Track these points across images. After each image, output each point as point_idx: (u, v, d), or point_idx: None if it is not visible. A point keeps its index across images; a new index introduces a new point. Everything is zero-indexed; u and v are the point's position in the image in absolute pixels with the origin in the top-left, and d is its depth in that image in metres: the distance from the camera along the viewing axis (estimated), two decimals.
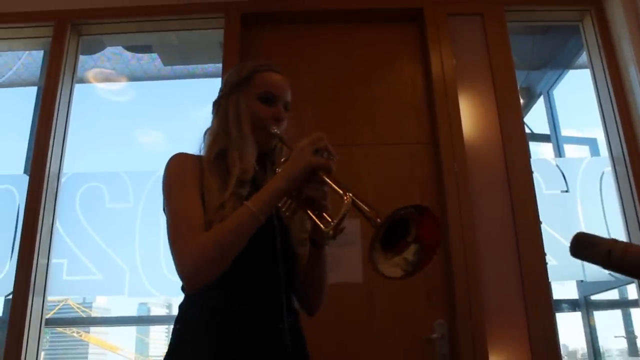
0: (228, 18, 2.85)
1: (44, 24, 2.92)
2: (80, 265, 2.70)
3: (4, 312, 2.73)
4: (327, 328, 2.41)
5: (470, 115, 2.75)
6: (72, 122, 3.28)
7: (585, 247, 0.81)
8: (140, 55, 3.59)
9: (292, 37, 2.95)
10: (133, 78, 3.74)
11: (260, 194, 1.27)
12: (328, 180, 1.23)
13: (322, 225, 1.26)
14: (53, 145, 2.73)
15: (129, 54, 3.58)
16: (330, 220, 1.25)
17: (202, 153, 1.44)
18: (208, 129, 1.50)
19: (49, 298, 2.59)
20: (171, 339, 1.32)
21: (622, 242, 0.77)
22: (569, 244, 0.88)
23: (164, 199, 1.35)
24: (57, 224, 2.73)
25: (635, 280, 2.66)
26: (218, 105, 1.50)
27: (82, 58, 3.45)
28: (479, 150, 2.69)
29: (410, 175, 2.71)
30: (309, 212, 1.29)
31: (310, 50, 2.92)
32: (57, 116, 2.78)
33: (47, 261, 2.64)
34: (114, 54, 3.56)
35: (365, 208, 1.13)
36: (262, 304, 1.33)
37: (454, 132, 2.68)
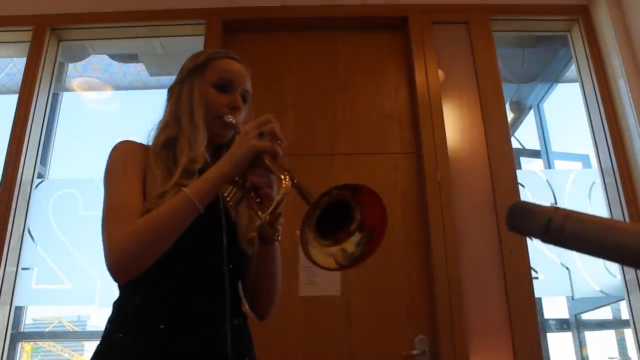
0: (209, 25, 2.82)
1: (23, 28, 2.89)
2: (50, 273, 2.61)
3: None
4: (302, 342, 2.39)
5: (455, 125, 2.69)
6: (59, 129, 3.26)
7: (522, 217, 0.67)
8: (126, 64, 3.55)
9: (274, 44, 2.92)
10: (119, 87, 3.69)
11: (200, 180, 1.18)
12: (270, 166, 1.14)
13: (259, 212, 1.17)
14: (27, 151, 2.67)
15: (115, 63, 3.54)
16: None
17: (149, 142, 1.35)
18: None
19: (40, 316, 2.49)
20: (101, 339, 1.21)
21: (564, 209, 0.64)
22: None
23: (104, 188, 1.26)
24: (29, 231, 2.65)
25: (625, 298, 2.56)
26: (171, 92, 1.41)
27: (68, 66, 3.43)
28: (464, 160, 2.63)
29: (393, 185, 2.65)
30: (250, 200, 1.20)
31: (293, 58, 2.89)
32: (32, 122, 2.73)
33: (15, 269, 2.56)
34: (98, 65, 3.52)
35: (308, 192, 1.04)
36: (203, 304, 1.23)
37: (438, 142, 2.63)
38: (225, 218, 1.31)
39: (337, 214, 1.03)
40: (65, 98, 3.54)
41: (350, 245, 1.04)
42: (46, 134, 3.16)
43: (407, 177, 2.65)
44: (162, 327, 1.17)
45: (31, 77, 2.76)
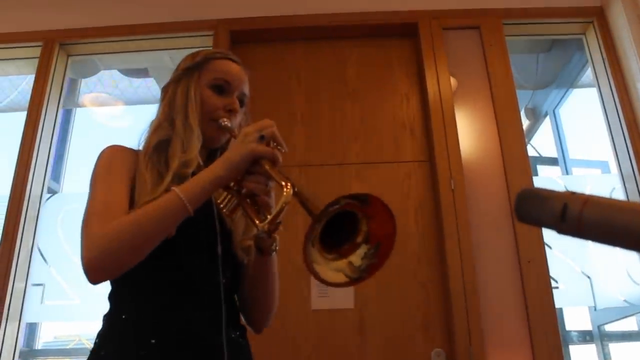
0: (217, 36, 2.80)
1: (32, 44, 2.88)
2: (59, 289, 2.58)
3: None
4: (314, 357, 2.34)
5: (469, 132, 2.63)
6: (72, 145, 3.25)
7: (533, 204, 0.58)
8: (137, 80, 3.55)
9: (282, 54, 2.88)
10: (130, 102, 3.68)
11: (193, 180, 1.11)
12: (270, 172, 1.07)
13: (257, 221, 1.10)
14: (35, 167, 2.65)
15: (125, 78, 3.54)
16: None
17: (141, 147, 1.29)
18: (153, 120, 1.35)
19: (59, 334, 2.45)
20: (89, 355, 1.14)
21: (582, 193, 0.53)
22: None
23: (88, 192, 1.20)
24: (38, 247, 2.63)
25: None
26: (165, 92, 1.35)
27: (81, 82, 3.44)
28: (478, 168, 2.55)
29: (406, 195, 2.59)
30: (246, 207, 1.13)
31: (302, 68, 2.85)
32: (41, 137, 2.71)
33: (24, 285, 2.53)
34: (109, 81, 3.52)
35: (310, 200, 0.98)
36: (197, 317, 1.16)
37: (451, 150, 2.57)
38: (220, 226, 1.25)
39: (341, 224, 0.96)
40: (78, 114, 3.56)
41: (357, 258, 0.98)
42: (59, 149, 3.16)
43: (420, 186, 2.60)
44: (153, 341, 1.10)
45: (40, 92, 2.75)
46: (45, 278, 2.62)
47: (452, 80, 2.71)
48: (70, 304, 2.58)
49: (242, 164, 1.09)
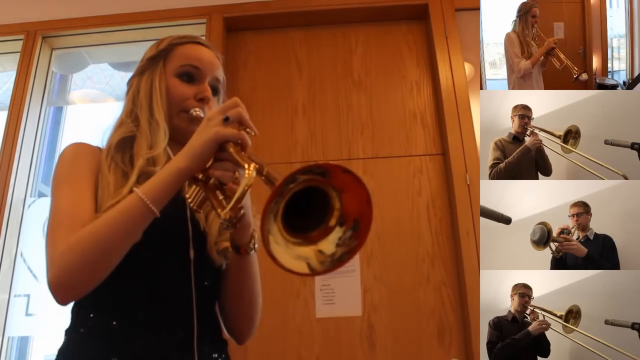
0: (210, 23, 2.65)
1: (13, 37, 2.73)
2: (46, 301, 2.41)
3: None
4: None
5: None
6: (63, 145, 3.10)
7: None
8: (129, 74, 3.37)
9: (281, 41, 2.75)
10: (121, 98, 3.51)
11: (154, 177, 0.99)
12: (235, 156, 0.93)
13: (219, 209, 0.95)
14: (18, 168, 2.50)
15: (116, 72, 3.36)
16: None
17: (103, 145, 1.17)
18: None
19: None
20: None
21: None
22: None
23: (50, 195, 1.09)
24: (22, 255, 2.47)
25: None
26: (130, 86, 1.23)
27: (72, 78, 3.28)
28: None
29: (417, 191, 2.46)
30: (211, 198, 0.98)
31: (302, 56, 2.73)
32: (24, 137, 2.56)
33: (7, 296, 2.38)
34: (99, 76, 3.35)
35: (276, 179, 0.82)
36: (164, 331, 1.04)
37: (466, 141, 2.44)
38: (194, 227, 1.12)
39: (314, 209, 0.85)
40: (70, 112, 3.40)
41: (329, 244, 0.84)
42: (50, 150, 3.01)
43: (433, 181, 2.47)
44: (113, 359, 1.00)
45: (22, 88, 2.60)
46: (30, 289, 2.45)
47: (467, 66, 2.57)
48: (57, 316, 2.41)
49: (205, 151, 0.96)
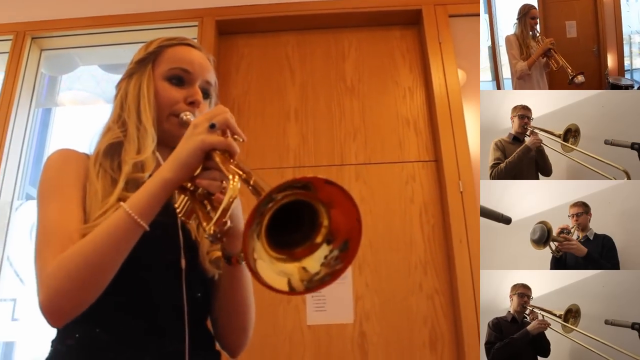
0: (202, 26, 2.63)
1: (2, 38, 2.69)
2: (32, 305, 2.38)
3: None
4: None
5: (478, 128, 2.43)
6: (51, 147, 3.07)
7: None
8: (119, 76, 3.33)
9: (274, 45, 2.73)
10: (111, 100, 3.47)
11: (141, 190, 0.96)
12: (220, 165, 0.90)
13: (204, 223, 0.92)
14: (5, 170, 2.46)
15: (106, 74, 3.33)
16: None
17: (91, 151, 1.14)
18: None
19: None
20: None
21: None
22: None
23: (37, 204, 1.06)
24: (8, 258, 2.42)
25: None
26: (118, 90, 1.20)
27: (61, 80, 3.24)
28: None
29: (410, 197, 2.45)
30: (197, 210, 0.95)
31: (295, 60, 2.71)
32: (12, 138, 2.52)
33: None
34: (88, 77, 3.32)
35: (264, 190, 0.77)
36: (155, 344, 1.01)
37: (459, 148, 2.43)
38: (185, 235, 1.09)
39: (303, 224, 0.81)
40: (58, 114, 3.36)
41: (315, 263, 0.80)
42: (38, 152, 2.97)
43: (425, 188, 2.46)
44: None
45: (10, 89, 2.56)
46: (16, 293, 2.41)
47: (460, 73, 2.56)
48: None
49: (191, 160, 0.93)
